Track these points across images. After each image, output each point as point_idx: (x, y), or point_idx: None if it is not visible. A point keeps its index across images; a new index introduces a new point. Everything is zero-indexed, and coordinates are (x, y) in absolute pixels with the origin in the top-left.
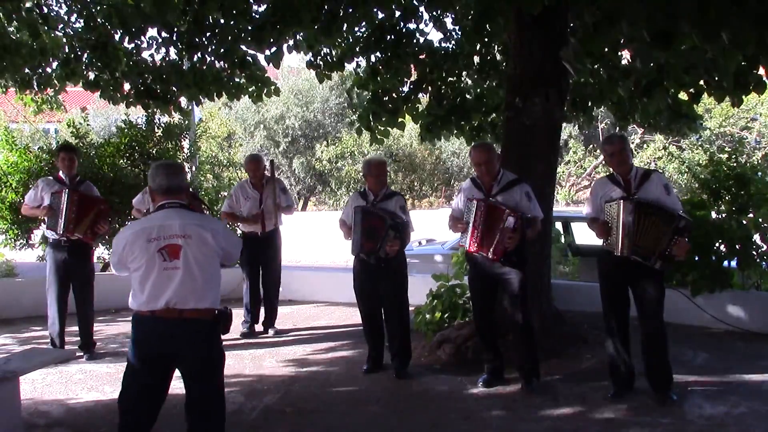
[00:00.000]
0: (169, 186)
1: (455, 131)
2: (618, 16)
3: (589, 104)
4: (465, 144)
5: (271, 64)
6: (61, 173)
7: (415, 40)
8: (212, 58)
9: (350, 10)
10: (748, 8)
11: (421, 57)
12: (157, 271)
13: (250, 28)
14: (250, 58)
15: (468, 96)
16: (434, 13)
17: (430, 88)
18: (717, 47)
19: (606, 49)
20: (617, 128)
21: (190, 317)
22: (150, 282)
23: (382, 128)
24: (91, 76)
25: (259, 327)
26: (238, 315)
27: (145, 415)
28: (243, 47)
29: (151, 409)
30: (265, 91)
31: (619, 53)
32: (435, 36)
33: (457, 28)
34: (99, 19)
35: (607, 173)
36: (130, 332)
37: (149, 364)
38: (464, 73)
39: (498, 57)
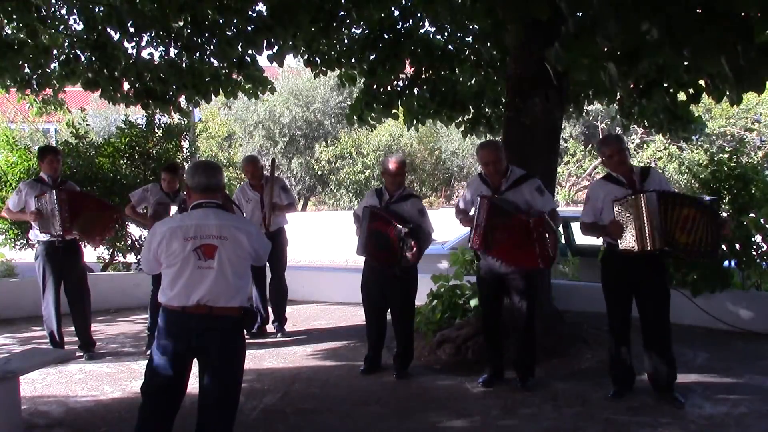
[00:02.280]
0: (209, 185)
1: (446, 120)
2: (596, 29)
3: (582, 97)
4: (464, 142)
5: (272, 64)
6: (43, 175)
7: (412, 39)
8: (210, 58)
9: (350, 8)
10: (710, 31)
11: (417, 53)
12: (191, 269)
13: (249, 27)
14: (248, 59)
15: (466, 87)
16: (431, 13)
17: (426, 84)
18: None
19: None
20: (617, 128)
21: (218, 314)
22: (183, 279)
23: (374, 120)
24: (91, 75)
25: (269, 328)
26: None
27: (169, 405)
28: (241, 48)
29: (174, 400)
30: (260, 89)
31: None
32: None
33: (451, 26)
34: (98, 20)
35: (604, 174)
36: (159, 324)
37: (175, 356)
38: (457, 69)
39: (494, 53)
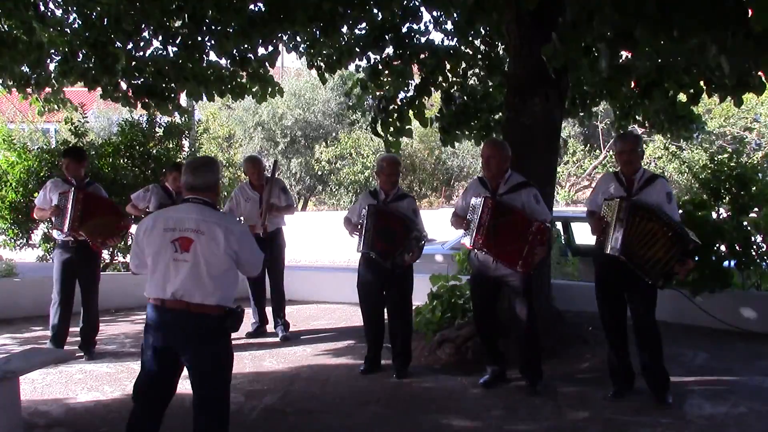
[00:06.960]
0: (193, 184)
1: (467, 131)
2: (593, 14)
3: (588, 101)
4: (465, 144)
5: (268, 64)
6: (68, 175)
7: (415, 41)
8: (209, 55)
9: (349, 11)
10: (698, 11)
11: (422, 57)
12: (168, 260)
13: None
14: (251, 56)
15: (477, 96)
16: (434, 13)
17: (436, 91)
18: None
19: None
20: (616, 127)
21: (196, 312)
22: (159, 269)
23: (393, 139)
24: (90, 73)
25: (270, 328)
26: (248, 314)
27: (155, 403)
28: (241, 45)
29: (161, 399)
30: (269, 91)
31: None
32: (436, 36)
33: (451, 25)
34: (96, 18)
35: (610, 171)
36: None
37: (158, 351)
38: (469, 72)
39: (501, 54)
